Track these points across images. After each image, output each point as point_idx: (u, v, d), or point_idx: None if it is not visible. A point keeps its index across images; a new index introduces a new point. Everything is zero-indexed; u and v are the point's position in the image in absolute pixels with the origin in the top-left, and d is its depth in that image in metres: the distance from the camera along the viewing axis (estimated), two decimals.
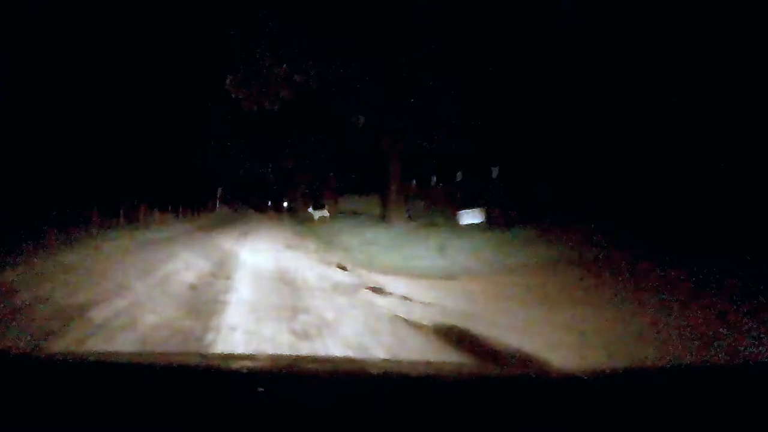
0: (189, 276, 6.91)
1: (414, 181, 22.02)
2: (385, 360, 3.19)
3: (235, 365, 1.70)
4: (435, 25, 17.22)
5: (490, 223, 11.75)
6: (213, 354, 3.24)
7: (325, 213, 23.10)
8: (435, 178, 20.01)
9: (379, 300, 5.39)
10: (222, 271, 7.52)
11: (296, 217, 25.67)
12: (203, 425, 0.92)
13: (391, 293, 5.72)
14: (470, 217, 12.62)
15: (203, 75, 24.53)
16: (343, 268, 7.86)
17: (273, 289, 5.99)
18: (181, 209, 21.58)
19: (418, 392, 1.22)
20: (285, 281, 6.63)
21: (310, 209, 24.08)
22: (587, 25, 12.62)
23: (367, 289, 6.02)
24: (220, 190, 32.30)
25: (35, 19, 18.43)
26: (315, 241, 12.52)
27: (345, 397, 1.14)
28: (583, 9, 12.56)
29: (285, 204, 37.80)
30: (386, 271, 7.26)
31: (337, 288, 6.11)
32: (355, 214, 21.66)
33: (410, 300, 5.34)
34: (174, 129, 24.08)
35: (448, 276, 6.50)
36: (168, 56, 22.85)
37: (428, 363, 2.67)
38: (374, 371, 1.64)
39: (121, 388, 1.13)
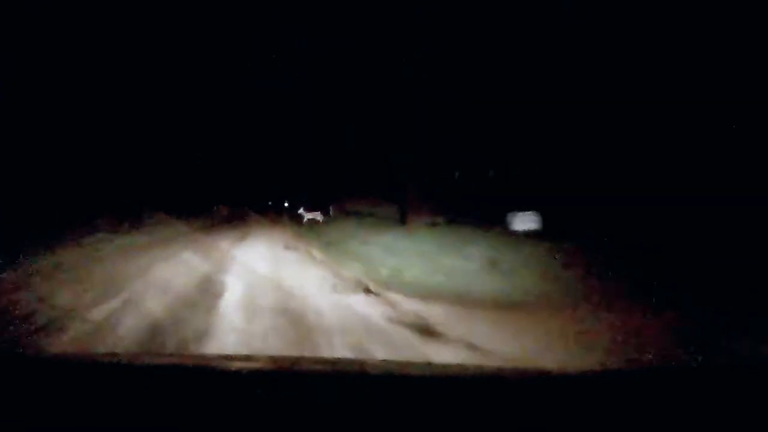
0: (149, 311, 4.39)
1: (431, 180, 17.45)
2: (385, 360, 2.73)
3: (236, 366, 1.52)
4: (435, 25, 15.62)
5: (546, 231, 8.74)
6: (213, 355, 2.86)
7: (317, 215, 18.88)
8: (458, 174, 16.89)
9: (438, 353, 3.10)
10: (204, 295, 5.05)
11: (298, 218, 22.65)
12: (204, 426, 0.86)
13: (449, 338, 3.41)
14: (524, 221, 9.20)
15: (204, 73, 22.53)
16: (367, 290, 5.49)
17: (273, 334, 3.62)
18: (180, 211, 19.19)
19: (418, 392, 1.13)
20: (290, 317, 4.15)
21: (301, 210, 19.67)
22: (587, 25, 11.24)
23: (411, 329, 3.66)
24: (219, 192, 29.84)
25: (35, 19, 16.72)
26: (322, 249, 9.47)
27: (345, 397, 1.05)
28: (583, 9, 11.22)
29: (286, 204, 35.32)
30: (426, 294, 4.86)
31: (369, 331, 3.70)
32: (361, 215, 17.75)
33: (482, 351, 3.10)
34: (174, 130, 21.96)
35: (514, 304, 4.32)
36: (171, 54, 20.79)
37: (429, 363, 2.53)
38: (375, 371, 1.50)
39: (122, 388, 1.05)
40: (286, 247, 10.07)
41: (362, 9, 17.75)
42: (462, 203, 13.39)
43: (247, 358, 2.25)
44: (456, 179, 14.24)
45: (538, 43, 12.37)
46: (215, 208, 22.51)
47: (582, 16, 11.32)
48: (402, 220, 13.20)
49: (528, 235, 8.74)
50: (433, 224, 11.87)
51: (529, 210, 9.45)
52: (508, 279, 5.38)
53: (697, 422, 0.91)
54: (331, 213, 20.20)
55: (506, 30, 13.30)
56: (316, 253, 9.15)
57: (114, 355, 2.43)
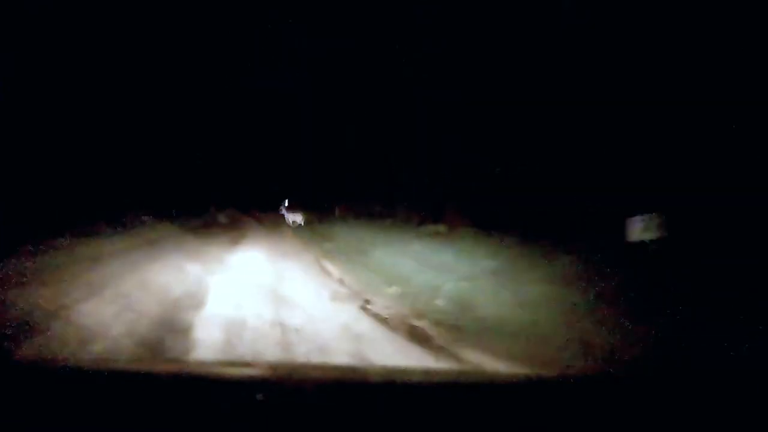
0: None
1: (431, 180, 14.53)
2: (385, 367, 2.62)
3: (235, 372, 1.53)
4: (435, 25, 15.60)
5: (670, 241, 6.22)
6: (212, 361, 2.77)
7: (299, 216, 17.07)
8: (499, 168, 12.18)
9: None
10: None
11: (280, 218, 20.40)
12: None
13: None
14: (644, 227, 6.55)
15: (204, 73, 22.46)
16: (427, 341, 3.39)
17: None
18: (174, 212, 18.72)
19: (419, 399, 1.10)
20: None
21: (283, 209, 18.18)
22: (587, 25, 11.17)
23: None
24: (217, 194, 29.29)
25: (35, 19, 16.67)
26: (335, 259, 7.25)
27: (345, 404, 1.02)
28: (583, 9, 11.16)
29: (286, 202, 35.10)
30: (532, 354, 3.12)
31: None
32: (370, 216, 15.94)
33: None
34: (174, 130, 21.88)
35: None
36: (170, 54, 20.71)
37: (429, 370, 2.46)
38: (375, 378, 1.47)
39: (119, 395, 1.02)
40: (288, 255, 8.54)
41: (362, 9, 17.72)
42: (510, 200, 11.46)
43: (246, 364, 2.21)
44: (496, 174, 12.14)
45: (538, 43, 12.27)
46: (211, 209, 22.21)
47: (582, 16, 11.26)
48: (436, 221, 11.58)
49: (640, 246, 6.34)
50: (473, 229, 9.74)
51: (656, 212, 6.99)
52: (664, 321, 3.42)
53: (689, 421, 0.92)
54: (336, 213, 19.50)
55: (506, 30, 13.20)
56: (329, 265, 6.94)
57: (112, 361, 2.39)
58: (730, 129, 7.59)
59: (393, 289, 5.04)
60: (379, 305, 4.44)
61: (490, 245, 7.65)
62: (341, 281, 5.76)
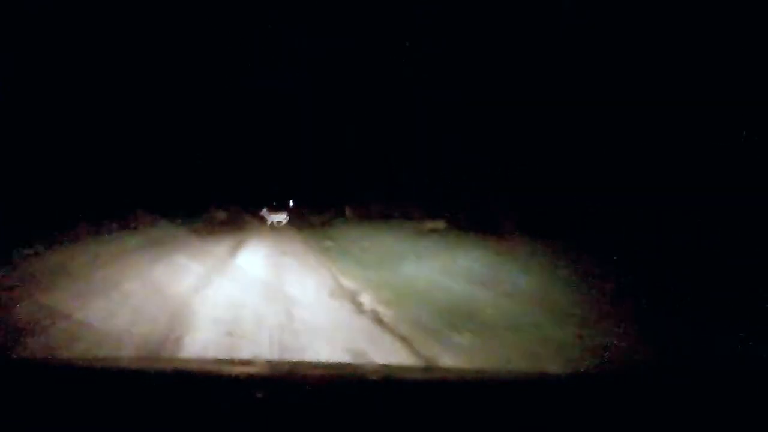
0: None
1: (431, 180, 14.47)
2: (383, 365, 2.62)
3: (234, 371, 1.52)
4: (435, 25, 15.58)
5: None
6: (212, 359, 2.78)
7: (283, 217, 16.59)
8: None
9: None
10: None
11: (305, 221, 19.22)
12: (202, 431, 0.84)
13: None
14: None
15: (204, 73, 22.42)
16: None
17: None
18: (175, 213, 18.62)
19: (418, 397, 1.09)
20: None
21: (264, 211, 17.22)
22: (587, 25, 11.14)
23: None
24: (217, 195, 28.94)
25: (35, 19, 16.66)
26: (357, 274, 5.89)
27: (344, 402, 1.02)
28: (583, 9, 11.14)
29: (290, 203, 34.72)
30: None
31: None
32: (383, 218, 14.54)
33: None
34: (174, 130, 21.83)
35: None
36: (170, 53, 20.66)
37: (428, 368, 2.48)
38: (373, 376, 1.45)
39: (120, 392, 1.03)
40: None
41: (362, 9, 17.72)
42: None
43: (246, 362, 2.23)
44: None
45: (538, 43, 12.24)
46: (212, 209, 22.14)
47: (582, 16, 11.23)
48: (488, 229, 9.84)
49: None
50: (516, 234, 8.20)
51: None
52: None
53: (690, 418, 0.92)
54: (347, 214, 19.03)
55: (506, 30, 13.17)
56: (355, 286, 5.26)
57: (112, 360, 2.41)
58: (729, 128, 7.60)
59: (466, 337, 3.33)
60: (443, 364, 2.85)
61: (557, 258, 6.29)
62: (377, 318, 3.96)
